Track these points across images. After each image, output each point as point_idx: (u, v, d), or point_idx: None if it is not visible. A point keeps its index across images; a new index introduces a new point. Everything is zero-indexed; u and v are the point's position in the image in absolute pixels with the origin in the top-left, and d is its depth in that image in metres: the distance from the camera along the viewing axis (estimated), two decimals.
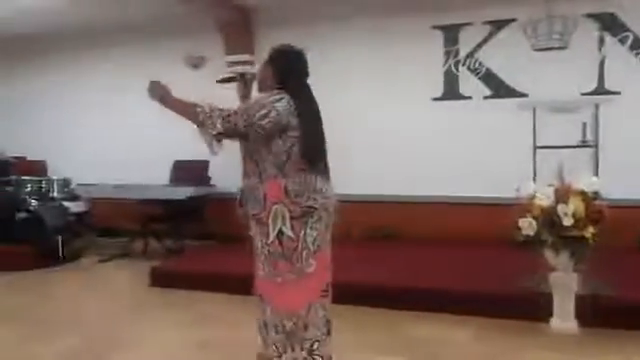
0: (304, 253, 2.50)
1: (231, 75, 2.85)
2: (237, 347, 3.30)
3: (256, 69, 2.80)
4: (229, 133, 2.48)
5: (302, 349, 2.53)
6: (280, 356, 2.55)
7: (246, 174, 2.60)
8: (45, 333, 3.84)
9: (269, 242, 2.52)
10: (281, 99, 2.48)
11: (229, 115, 2.46)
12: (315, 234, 2.52)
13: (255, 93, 2.75)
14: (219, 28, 6.88)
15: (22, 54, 8.31)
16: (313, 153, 2.54)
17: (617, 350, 3.36)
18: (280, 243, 2.50)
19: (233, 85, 2.88)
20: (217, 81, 2.91)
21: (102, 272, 5.74)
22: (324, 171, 2.61)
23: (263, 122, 2.44)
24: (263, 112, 2.44)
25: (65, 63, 8.10)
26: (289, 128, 2.47)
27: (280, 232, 2.49)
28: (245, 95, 2.80)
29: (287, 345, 2.53)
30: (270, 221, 2.50)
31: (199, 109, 2.46)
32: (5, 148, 7.75)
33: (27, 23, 7.44)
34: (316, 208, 2.51)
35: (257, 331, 2.64)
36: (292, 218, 2.48)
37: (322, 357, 2.56)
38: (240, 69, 2.91)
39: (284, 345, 2.54)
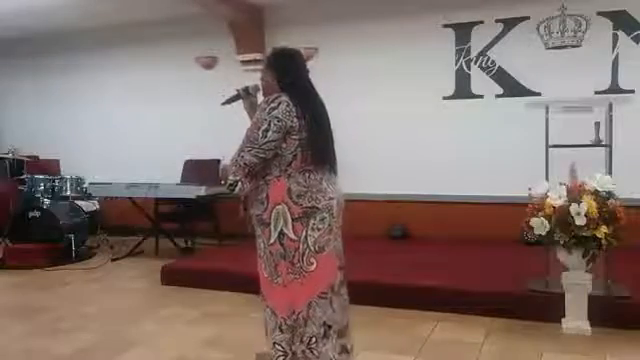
0: (305, 253, 2.50)
1: (234, 94, 2.87)
2: (247, 345, 3.31)
3: (257, 79, 2.78)
4: (246, 172, 2.51)
5: (301, 342, 2.53)
6: (285, 355, 2.55)
7: (252, 177, 2.59)
8: (57, 331, 3.87)
9: (270, 243, 2.53)
10: (279, 104, 2.47)
11: (237, 161, 2.50)
12: (317, 235, 2.50)
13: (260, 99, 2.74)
14: (230, 27, 6.90)
15: (34, 53, 8.36)
16: (318, 155, 2.53)
17: (631, 352, 3.32)
18: (281, 244, 2.50)
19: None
20: (222, 103, 2.94)
21: (114, 270, 5.77)
22: (330, 171, 2.60)
23: (268, 137, 2.45)
24: (264, 127, 2.46)
25: (78, 62, 8.14)
26: (292, 131, 2.47)
27: (281, 233, 2.50)
28: (252, 104, 2.82)
29: (289, 341, 2.54)
30: (272, 221, 2.50)
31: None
32: (18, 147, 7.83)
33: (39, 22, 7.50)
34: (319, 208, 2.50)
35: (265, 330, 2.66)
36: (294, 219, 2.48)
37: (319, 354, 2.54)
38: (241, 86, 2.87)
39: (288, 342, 2.55)
